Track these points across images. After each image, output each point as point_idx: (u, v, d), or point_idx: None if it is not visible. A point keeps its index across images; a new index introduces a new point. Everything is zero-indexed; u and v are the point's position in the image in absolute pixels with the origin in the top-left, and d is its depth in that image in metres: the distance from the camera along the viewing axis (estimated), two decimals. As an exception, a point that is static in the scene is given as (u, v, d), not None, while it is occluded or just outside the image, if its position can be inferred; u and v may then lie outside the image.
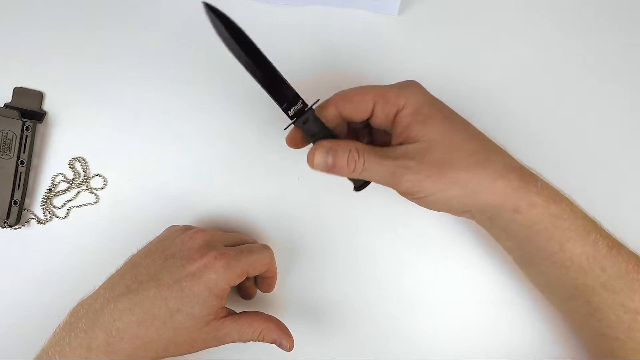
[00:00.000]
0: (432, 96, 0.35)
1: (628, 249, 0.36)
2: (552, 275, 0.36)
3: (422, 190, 0.32)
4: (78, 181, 0.44)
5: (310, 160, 0.34)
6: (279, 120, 0.44)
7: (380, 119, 0.34)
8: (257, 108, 0.45)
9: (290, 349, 0.36)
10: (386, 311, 0.43)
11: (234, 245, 0.38)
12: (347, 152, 0.32)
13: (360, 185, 0.37)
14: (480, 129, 0.37)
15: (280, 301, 0.43)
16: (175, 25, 0.45)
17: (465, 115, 0.37)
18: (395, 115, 0.33)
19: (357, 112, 0.34)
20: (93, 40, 0.45)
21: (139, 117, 0.44)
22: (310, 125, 0.34)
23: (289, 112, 0.34)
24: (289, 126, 0.35)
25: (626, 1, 0.46)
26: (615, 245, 0.35)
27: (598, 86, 0.45)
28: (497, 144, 0.35)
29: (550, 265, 0.36)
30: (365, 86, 0.34)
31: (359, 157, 0.32)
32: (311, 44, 0.45)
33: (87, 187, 0.44)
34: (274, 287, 0.41)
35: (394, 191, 0.44)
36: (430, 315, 0.43)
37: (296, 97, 0.34)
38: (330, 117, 0.34)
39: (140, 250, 0.38)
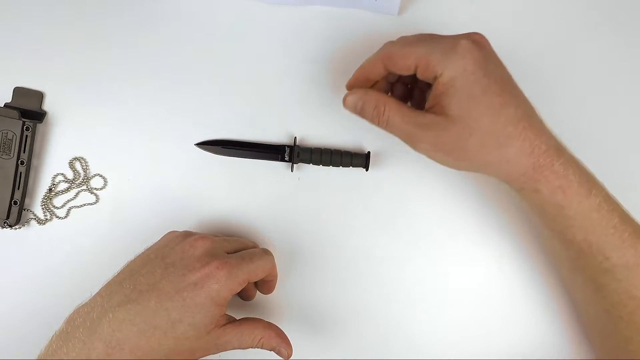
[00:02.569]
0: (478, 64, 0.33)
1: None
2: (556, 247, 0.38)
3: (434, 158, 0.36)
4: (78, 181, 0.44)
5: (344, 100, 0.37)
6: (279, 120, 0.45)
7: (422, 78, 0.35)
8: (257, 108, 0.45)
9: (288, 357, 0.37)
10: (386, 312, 0.43)
11: (235, 251, 0.37)
12: (374, 104, 0.36)
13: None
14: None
15: (280, 302, 0.43)
16: (175, 25, 0.45)
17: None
18: (434, 79, 0.34)
19: (401, 71, 0.35)
20: (93, 40, 0.45)
21: (139, 117, 0.44)
22: (302, 155, 0.42)
23: (285, 159, 0.43)
24: (292, 166, 0.43)
25: (628, 1, 0.46)
26: (630, 237, 0.35)
27: (598, 86, 0.45)
28: (527, 119, 0.34)
29: (554, 237, 0.37)
30: (415, 41, 0.35)
31: (383, 112, 0.35)
32: (311, 44, 0.45)
33: (87, 187, 0.44)
34: (273, 289, 0.41)
35: (394, 192, 0.44)
36: (430, 316, 0.43)
37: (282, 147, 0.43)
38: (377, 71, 0.37)
39: (138, 257, 0.37)
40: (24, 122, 0.42)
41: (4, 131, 0.42)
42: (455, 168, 0.37)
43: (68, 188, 0.44)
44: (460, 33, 0.35)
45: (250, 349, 0.36)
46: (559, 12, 0.46)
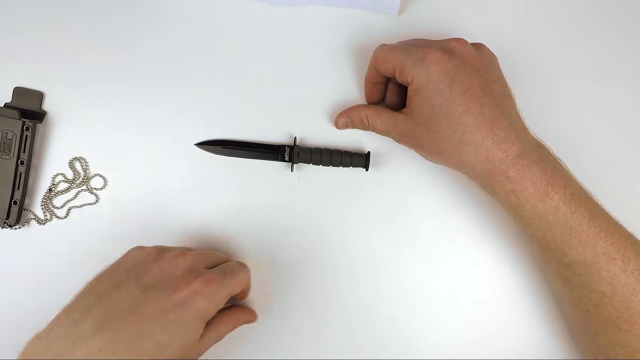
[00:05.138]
0: (444, 75, 0.35)
1: (617, 236, 0.35)
2: (527, 240, 0.40)
3: (416, 151, 0.40)
4: (78, 181, 0.44)
5: (336, 124, 0.43)
6: (279, 120, 0.45)
7: (400, 82, 0.39)
8: (257, 108, 0.45)
9: (256, 319, 0.41)
10: (385, 311, 0.43)
11: (213, 266, 0.37)
12: (359, 118, 0.42)
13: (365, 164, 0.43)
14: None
15: (279, 302, 0.43)
16: (175, 25, 0.45)
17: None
18: (408, 84, 0.37)
19: (385, 73, 0.39)
20: (93, 40, 0.45)
21: (139, 117, 0.44)
22: (302, 155, 0.43)
23: (285, 159, 0.43)
24: (292, 166, 0.43)
25: (626, 2, 0.46)
26: (588, 237, 0.35)
27: (597, 86, 0.45)
28: (489, 127, 0.35)
29: (522, 231, 0.39)
30: (396, 47, 0.38)
31: (368, 122, 0.41)
32: (311, 44, 0.45)
33: (87, 187, 0.44)
34: (245, 297, 0.42)
35: (394, 192, 0.44)
36: (429, 316, 0.43)
37: (282, 148, 0.43)
38: (374, 72, 0.41)
39: (102, 277, 0.35)
40: (24, 122, 0.42)
41: (4, 131, 0.42)
42: (434, 162, 0.40)
43: (68, 188, 0.44)
44: (445, 39, 0.38)
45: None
46: (558, 11, 0.46)
